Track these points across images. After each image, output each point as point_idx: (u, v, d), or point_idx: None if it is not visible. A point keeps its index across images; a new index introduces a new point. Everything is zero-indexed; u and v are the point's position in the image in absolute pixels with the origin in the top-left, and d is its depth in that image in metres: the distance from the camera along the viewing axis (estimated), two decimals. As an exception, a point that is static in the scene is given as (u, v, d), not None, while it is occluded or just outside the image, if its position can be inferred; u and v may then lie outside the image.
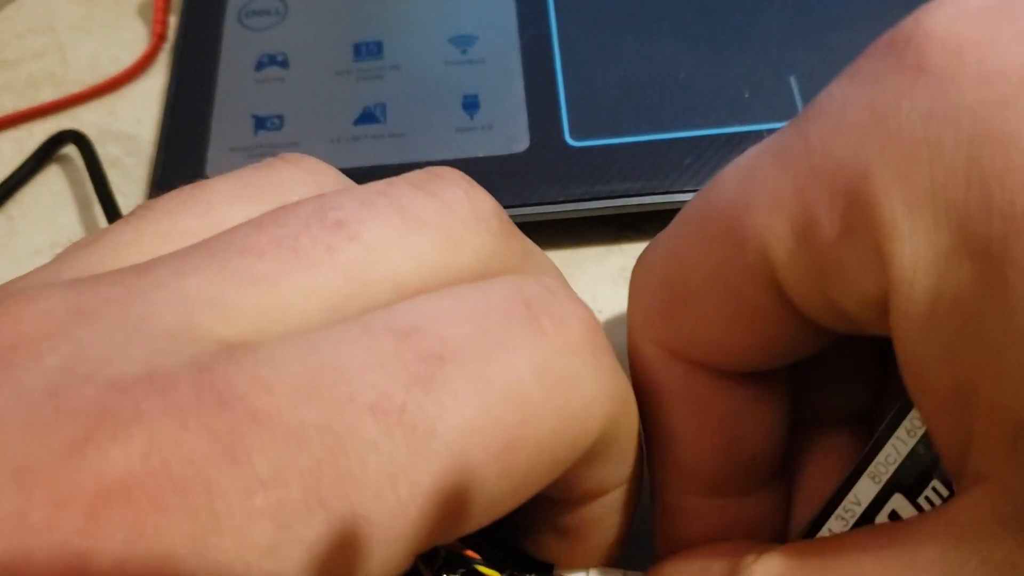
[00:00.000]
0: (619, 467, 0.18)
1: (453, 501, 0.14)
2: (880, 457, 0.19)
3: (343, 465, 0.13)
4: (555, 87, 0.32)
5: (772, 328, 0.18)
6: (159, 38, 0.37)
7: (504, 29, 0.34)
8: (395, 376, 0.13)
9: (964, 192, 0.13)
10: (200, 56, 0.35)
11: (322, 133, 0.32)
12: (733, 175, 0.18)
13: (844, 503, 0.19)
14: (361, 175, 0.32)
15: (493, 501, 0.14)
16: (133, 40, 0.37)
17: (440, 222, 0.16)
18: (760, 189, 0.17)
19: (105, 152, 0.34)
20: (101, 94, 0.36)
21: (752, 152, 0.18)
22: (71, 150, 0.34)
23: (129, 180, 0.34)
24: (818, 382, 0.21)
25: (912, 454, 0.19)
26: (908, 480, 0.19)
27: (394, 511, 0.13)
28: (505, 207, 0.31)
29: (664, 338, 0.19)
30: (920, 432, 0.18)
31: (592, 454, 0.16)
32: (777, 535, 0.20)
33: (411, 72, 0.33)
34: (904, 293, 0.14)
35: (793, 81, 0.32)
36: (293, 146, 0.32)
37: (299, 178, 0.17)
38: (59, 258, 0.16)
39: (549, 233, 0.32)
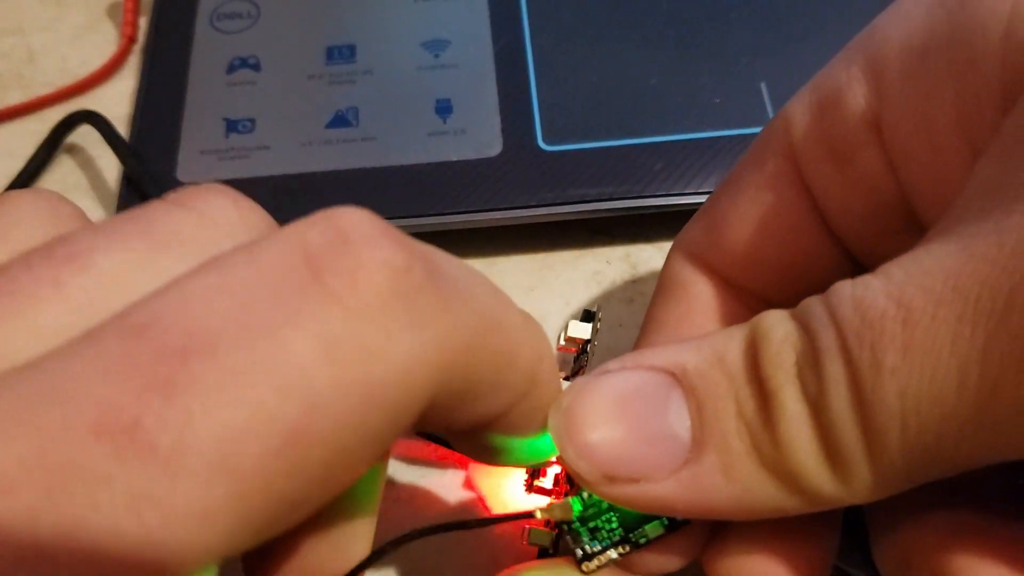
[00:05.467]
0: (513, 384, 0.16)
1: (233, 514, 0.12)
2: None
3: (65, 510, 0.11)
4: (528, 92, 0.33)
5: (794, 237, 0.19)
6: (129, 40, 0.37)
7: (477, 34, 0.34)
8: (123, 385, 0.11)
9: None
10: (171, 58, 0.34)
11: (294, 137, 0.32)
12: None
13: None
14: (333, 179, 0.32)
15: (300, 496, 0.13)
16: (103, 42, 0.37)
17: (196, 237, 0.14)
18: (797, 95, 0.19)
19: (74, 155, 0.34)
20: (70, 96, 0.35)
21: None
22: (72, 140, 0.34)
23: (98, 184, 0.33)
24: None
25: None
26: None
27: (143, 543, 0.11)
28: (478, 211, 0.31)
29: (698, 245, 0.20)
30: None
31: (458, 396, 0.15)
32: None
33: (384, 76, 0.33)
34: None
35: (763, 87, 0.32)
36: (264, 149, 0.32)
37: (31, 220, 0.15)
38: None
39: (522, 237, 0.32)
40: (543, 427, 0.18)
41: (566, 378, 0.24)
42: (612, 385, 0.17)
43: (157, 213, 0.15)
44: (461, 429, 0.17)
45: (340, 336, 0.12)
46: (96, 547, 0.11)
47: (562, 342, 0.25)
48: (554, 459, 0.20)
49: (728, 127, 0.31)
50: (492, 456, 0.18)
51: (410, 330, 0.13)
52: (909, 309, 0.14)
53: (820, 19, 0.34)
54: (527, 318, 0.17)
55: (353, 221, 0.14)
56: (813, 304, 0.16)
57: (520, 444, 0.18)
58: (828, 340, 0.15)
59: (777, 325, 0.16)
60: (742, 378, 0.16)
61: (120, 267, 0.14)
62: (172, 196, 0.15)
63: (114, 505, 0.11)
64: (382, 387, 0.13)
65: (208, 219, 0.15)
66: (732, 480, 0.16)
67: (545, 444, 0.18)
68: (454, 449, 0.20)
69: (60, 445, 0.11)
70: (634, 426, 0.17)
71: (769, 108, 0.32)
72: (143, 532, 0.11)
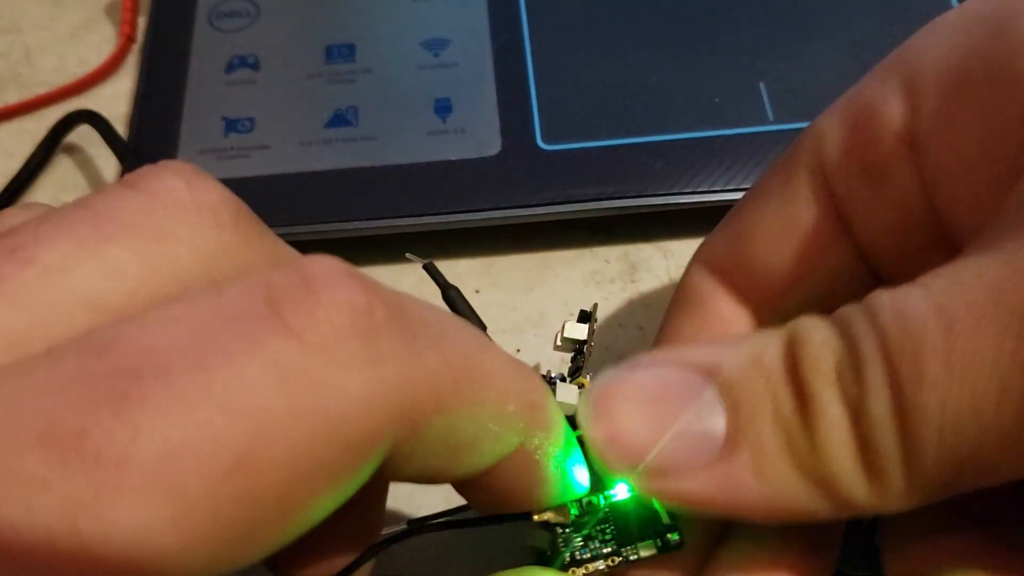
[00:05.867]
0: (497, 435, 0.16)
1: (180, 535, 0.12)
2: None
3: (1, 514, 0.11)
4: (527, 91, 0.33)
5: (820, 253, 0.19)
6: (127, 39, 0.36)
7: (476, 33, 0.34)
8: (75, 400, 0.11)
9: None
10: (170, 58, 0.34)
11: (293, 136, 0.32)
12: None
13: None
14: (332, 178, 0.32)
15: (254, 525, 0.13)
16: (101, 41, 0.37)
17: (143, 221, 0.14)
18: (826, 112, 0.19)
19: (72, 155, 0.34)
20: (68, 96, 0.35)
21: None
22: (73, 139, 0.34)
23: (97, 184, 0.33)
24: None
25: None
26: None
27: (76, 551, 0.11)
28: (476, 210, 0.31)
29: (720, 257, 0.20)
30: None
31: (436, 444, 0.15)
32: None
33: (383, 75, 0.33)
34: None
35: (763, 87, 0.32)
36: (264, 148, 0.32)
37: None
38: None
39: (521, 236, 0.32)
40: (546, 481, 0.18)
41: (563, 379, 0.24)
42: (646, 378, 0.17)
43: (106, 198, 0.14)
44: (454, 480, 0.16)
45: (294, 367, 0.13)
46: (29, 551, 0.11)
47: (559, 343, 0.25)
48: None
49: (727, 126, 0.31)
50: (496, 507, 0.18)
51: (369, 368, 0.13)
52: (951, 319, 0.14)
53: (819, 19, 0.34)
54: (515, 366, 0.17)
55: (319, 267, 0.14)
56: (852, 311, 0.16)
57: (524, 498, 0.18)
58: (870, 347, 0.15)
59: (816, 330, 0.16)
60: (780, 380, 0.16)
61: (65, 259, 0.13)
62: (126, 177, 0.15)
63: (48, 511, 0.11)
64: (336, 421, 0.13)
65: (159, 201, 0.14)
66: (764, 481, 0.16)
67: (550, 494, 0.18)
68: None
69: (4, 452, 0.11)
70: (666, 420, 0.17)
71: (768, 107, 0.32)
72: (76, 541, 0.11)
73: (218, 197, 0.15)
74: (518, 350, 0.30)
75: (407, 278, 0.31)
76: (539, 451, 0.17)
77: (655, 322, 0.30)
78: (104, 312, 0.13)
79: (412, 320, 0.14)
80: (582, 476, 0.20)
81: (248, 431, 0.12)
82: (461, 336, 0.16)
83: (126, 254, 0.14)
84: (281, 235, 0.31)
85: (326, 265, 0.14)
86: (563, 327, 0.25)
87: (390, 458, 0.14)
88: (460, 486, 0.18)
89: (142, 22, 0.37)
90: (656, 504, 0.21)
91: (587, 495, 0.20)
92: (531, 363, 0.29)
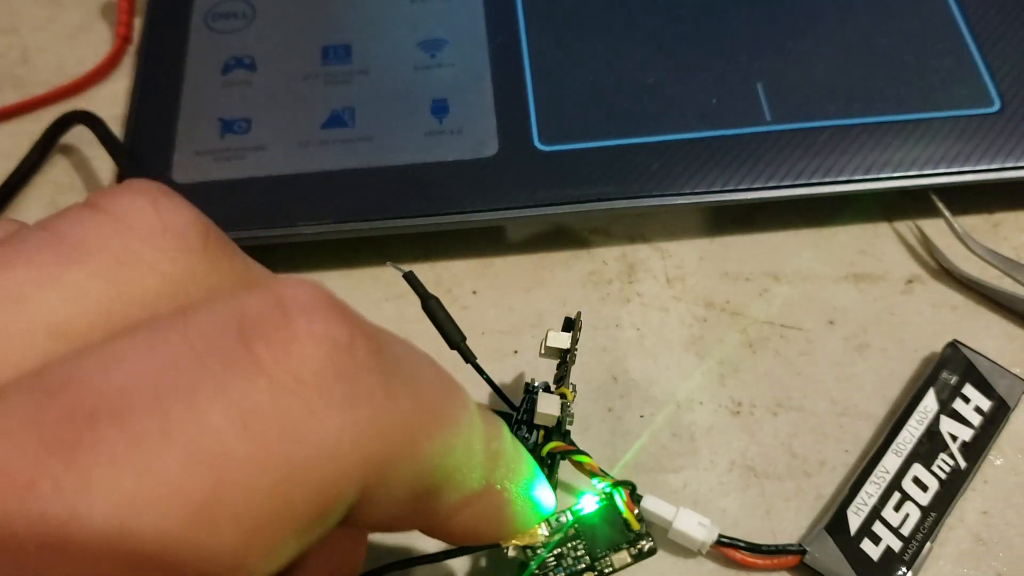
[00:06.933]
0: (459, 484, 0.15)
1: None
2: (900, 438, 0.26)
3: None
4: (524, 92, 0.33)
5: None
6: (124, 40, 0.36)
7: (473, 34, 0.34)
8: (24, 446, 0.11)
9: None
10: (166, 59, 0.34)
11: (289, 137, 0.32)
12: None
13: (875, 472, 0.26)
14: (329, 179, 0.32)
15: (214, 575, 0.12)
16: (97, 42, 0.37)
17: (108, 244, 0.13)
18: None
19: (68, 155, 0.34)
20: (64, 96, 0.35)
21: None
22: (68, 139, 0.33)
23: (92, 185, 0.33)
24: None
25: (926, 434, 0.26)
26: (924, 453, 0.26)
27: None
28: (474, 211, 0.31)
29: None
30: (930, 419, 0.27)
31: (400, 491, 0.14)
32: None
33: (380, 76, 0.33)
34: None
35: (759, 88, 0.32)
36: (260, 149, 0.32)
37: None
38: None
39: (519, 237, 0.32)
40: (513, 513, 0.17)
41: (547, 388, 0.24)
42: None
43: (69, 220, 0.14)
44: (421, 527, 0.16)
45: (262, 410, 0.12)
46: None
47: (543, 351, 0.25)
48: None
49: (724, 127, 0.31)
50: (465, 543, 0.18)
51: (343, 411, 0.12)
52: None
53: (816, 20, 0.34)
54: (482, 413, 0.16)
55: (295, 291, 0.13)
56: None
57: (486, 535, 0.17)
58: None
59: None
60: None
61: (22, 287, 0.13)
62: (91, 197, 0.14)
63: None
64: (304, 469, 0.12)
65: (123, 224, 0.14)
66: None
67: (518, 523, 0.18)
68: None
69: None
70: None
71: (765, 108, 0.32)
72: None
73: (186, 219, 0.14)
74: (516, 351, 0.30)
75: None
76: (504, 487, 0.17)
77: (653, 323, 0.30)
78: (65, 339, 0.12)
79: (389, 359, 0.13)
80: (547, 497, 0.19)
81: (207, 481, 0.11)
82: (436, 379, 0.15)
83: (89, 279, 0.13)
84: (278, 236, 0.31)
85: (304, 290, 0.13)
86: (546, 336, 0.25)
87: (356, 505, 0.14)
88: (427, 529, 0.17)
89: (138, 23, 0.37)
90: (625, 513, 0.22)
91: (554, 513, 0.20)
92: (529, 364, 0.29)
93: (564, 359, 0.25)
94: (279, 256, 0.32)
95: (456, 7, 0.35)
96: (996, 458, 0.27)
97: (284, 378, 0.12)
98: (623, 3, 0.35)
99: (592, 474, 0.23)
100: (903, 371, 0.29)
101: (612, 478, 0.23)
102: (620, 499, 0.22)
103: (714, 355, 0.29)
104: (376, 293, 0.31)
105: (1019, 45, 0.33)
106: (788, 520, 0.27)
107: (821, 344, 0.30)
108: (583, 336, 0.30)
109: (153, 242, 0.14)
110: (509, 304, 0.31)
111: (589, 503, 0.22)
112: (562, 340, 0.25)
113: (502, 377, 0.29)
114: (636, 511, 0.22)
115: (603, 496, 0.23)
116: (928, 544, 0.25)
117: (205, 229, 0.14)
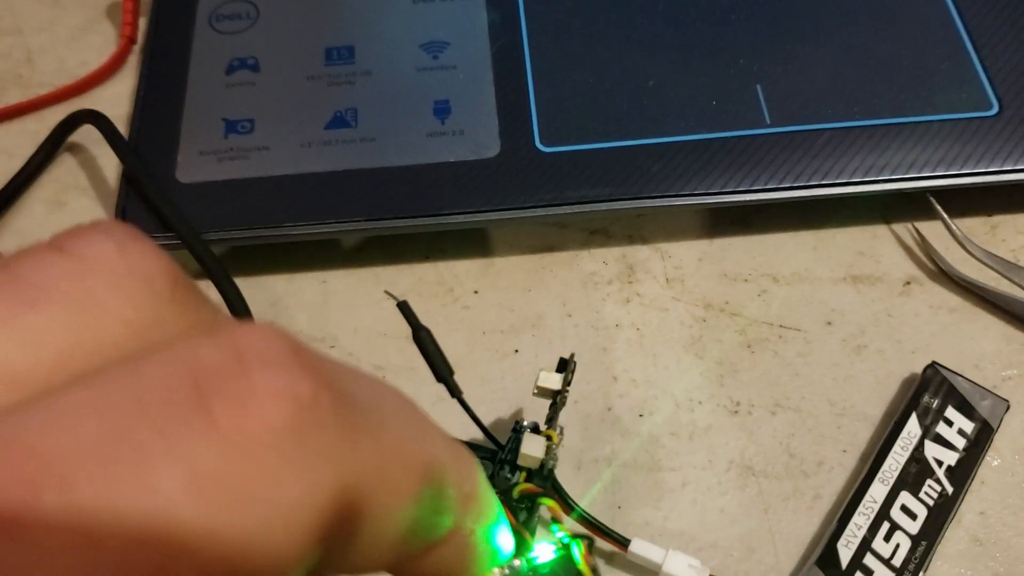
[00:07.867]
0: (419, 536, 0.15)
1: None
2: (885, 466, 0.26)
3: None
4: (526, 94, 0.33)
5: None
6: (128, 40, 0.37)
7: (475, 36, 0.34)
8: None
9: None
10: (170, 59, 0.34)
11: (292, 137, 0.32)
12: None
13: (862, 503, 0.26)
14: (332, 180, 0.32)
15: None
16: (102, 43, 0.37)
17: (70, 289, 0.13)
18: None
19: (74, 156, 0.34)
20: (69, 96, 0.36)
21: None
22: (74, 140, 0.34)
23: (98, 184, 0.34)
24: None
25: (911, 460, 0.26)
26: (910, 480, 0.26)
27: None
28: (475, 212, 0.31)
29: None
30: (914, 444, 0.26)
31: (357, 545, 0.13)
32: None
33: (383, 77, 0.34)
34: None
35: (759, 90, 0.32)
36: (263, 150, 0.32)
37: None
38: None
39: (520, 238, 0.32)
40: (477, 557, 0.17)
41: (535, 429, 0.24)
42: None
43: (30, 261, 0.13)
44: (375, 571, 0.15)
45: (214, 473, 0.11)
46: None
47: (535, 391, 0.25)
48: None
49: (723, 129, 0.31)
50: None
51: (300, 473, 0.12)
52: None
53: (815, 23, 0.34)
54: (452, 447, 0.15)
55: (255, 340, 0.12)
56: None
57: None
58: None
59: None
60: None
61: None
62: (55, 238, 0.14)
63: None
64: (262, 534, 0.11)
65: (87, 267, 0.13)
66: None
67: (480, 567, 0.18)
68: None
69: None
70: None
71: (765, 110, 0.32)
72: None
73: (154, 265, 0.13)
74: (516, 350, 0.30)
75: (406, 278, 0.32)
76: (471, 531, 0.16)
77: (652, 323, 0.30)
78: (20, 387, 0.12)
79: (354, 409, 0.13)
80: (507, 542, 0.19)
81: (158, 554, 0.11)
82: (405, 420, 0.14)
83: (47, 323, 0.12)
84: (281, 236, 0.31)
85: (264, 339, 0.12)
86: (538, 376, 0.25)
87: (319, 559, 0.13)
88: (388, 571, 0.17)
89: (143, 24, 0.37)
90: (579, 563, 0.22)
91: (510, 559, 0.20)
92: (528, 366, 0.30)
93: (555, 400, 0.25)
94: (281, 256, 0.32)
95: (459, 9, 0.35)
96: (993, 459, 0.27)
97: (239, 439, 0.11)
98: (624, 6, 0.35)
99: (554, 520, 0.23)
100: (901, 372, 0.29)
101: (569, 532, 0.23)
102: (578, 551, 0.22)
103: (713, 355, 0.30)
104: (378, 292, 0.31)
105: (1017, 49, 0.33)
106: (786, 520, 0.27)
107: (819, 345, 0.30)
108: (583, 336, 0.30)
109: (118, 288, 0.13)
110: (510, 304, 0.31)
111: (545, 552, 0.22)
112: (554, 381, 0.24)
113: (502, 376, 0.29)
114: (592, 563, 0.22)
115: (560, 546, 0.22)
116: (921, 575, 0.25)
117: (173, 276, 0.14)
